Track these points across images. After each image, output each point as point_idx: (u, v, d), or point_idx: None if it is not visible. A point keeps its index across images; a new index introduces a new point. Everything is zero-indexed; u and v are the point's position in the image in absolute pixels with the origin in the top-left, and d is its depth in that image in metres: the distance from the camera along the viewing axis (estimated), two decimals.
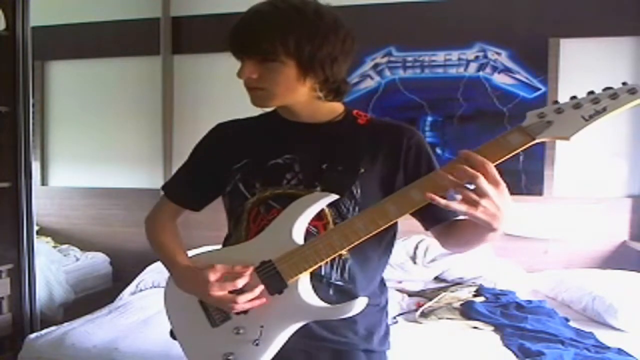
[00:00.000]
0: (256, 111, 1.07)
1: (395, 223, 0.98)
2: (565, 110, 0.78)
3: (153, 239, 1.12)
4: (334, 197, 0.95)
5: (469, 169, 0.77)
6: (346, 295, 0.98)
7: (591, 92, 0.79)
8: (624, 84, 0.78)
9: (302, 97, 0.98)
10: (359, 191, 0.97)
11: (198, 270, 0.96)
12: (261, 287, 0.94)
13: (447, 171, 0.80)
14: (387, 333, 1.09)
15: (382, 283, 1.11)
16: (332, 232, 0.92)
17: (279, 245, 0.95)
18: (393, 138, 1.02)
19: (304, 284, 0.95)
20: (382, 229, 0.89)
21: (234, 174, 1.04)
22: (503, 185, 0.78)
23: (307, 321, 0.95)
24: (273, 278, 0.94)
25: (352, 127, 1.04)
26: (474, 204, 0.77)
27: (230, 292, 0.93)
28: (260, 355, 0.95)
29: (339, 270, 0.99)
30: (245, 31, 0.94)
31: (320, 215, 0.97)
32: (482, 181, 0.76)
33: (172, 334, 1.10)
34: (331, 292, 0.98)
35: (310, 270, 0.94)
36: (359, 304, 0.92)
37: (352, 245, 0.91)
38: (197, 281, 0.95)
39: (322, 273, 0.97)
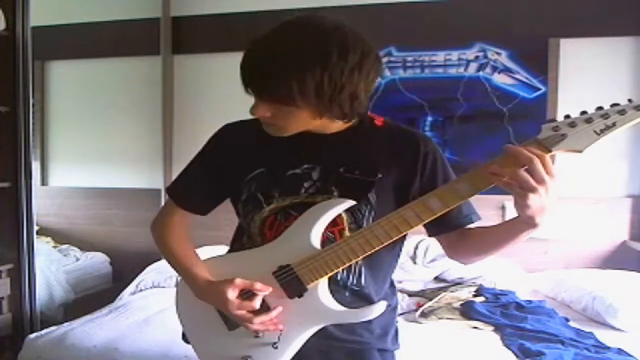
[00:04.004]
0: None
1: None
2: (578, 124, 0.82)
3: (164, 246, 1.09)
4: (351, 203, 0.95)
5: (525, 152, 0.78)
6: (361, 297, 0.99)
7: (600, 108, 0.83)
8: (629, 100, 0.82)
9: (317, 119, 0.93)
10: (374, 197, 0.97)
11: (216, 285, 0.96)
12: (279, 309, 0.95)
13: (498, 163, 0.81)
14: (397, 333, 1.11)
15: (392, 284, 1.12)
16: (353, 238, 0.92)
17: (297, 250, 0.95)
18: (410, 145, 1.00)
19: (323, 288, 0.96)
20: (402, 235, 0.91)
21: (249, 183, 1.02)
22: (556, 180, 0.79)
23: (326, 324, 0.96)
24: (292, 282, 0.95)
25: (369, 129, 1.02)
26: (532, 189, 0.77)
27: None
28: (279, 358, 0.96)
29: (354, 275, 1.00)
30: (258, 72, 0.87)
31: (335, 221, 0.97)
32: (540, 165, 0.77)
33: (184, 337, 1.09)
34: (347, 294, 0.99)
35: (331, 274, 0.94)
36: (378, 308, 0.94)
37: (374, 250, 0.92)
38: (215, 295, 0.96)
39: (338, 277, 0.98)
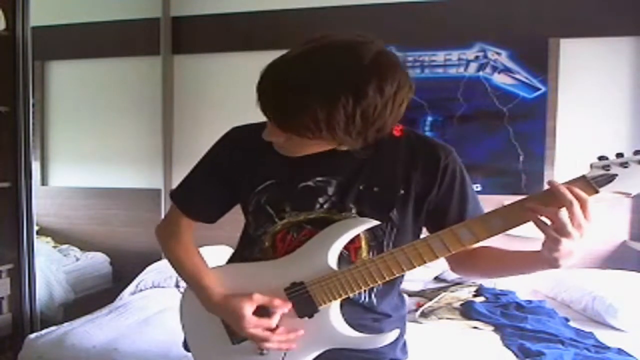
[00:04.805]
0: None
1: None
2: (630, 165, 0.79)
3: (170, 254, 1.06)
4: (373, 223, 0.92)
5: (568, 193, 0.75)
6: (373, 311, 0.98)
7: None
8: None
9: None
10: (396, 215, 0.94)
11: (232, 301, 0.93)
12: (300, 332, 0.92)
13: (539, 200, 0.78)
14: (405, 343, 1.09)
15: (400, 296, 1.10)
16: (373, 262, 0.89)
17: (313, 268, 0.92)
18: (430, 156, 0.95)
19: (335, 310, 0.93)
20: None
21: (259, 194, 0.98)
22: (593, 224, 0.77)
23: (334, 347, 0.94)
24: (304, 301, 0.92)
25: (388, 140, 0.93)
26: (567, 235, 0.75)
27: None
28: None
29: (367, 292, 0.98)
30: (281, 105, 0.78)
31: (352, 239, 0.94)
32: (580, 211, 0.75)
33: (186, 346, 1.07)
34: (357, 308, 0.97)
35: (345, 297, 0.91)
36: (391, 337, 0.93)
37: (393, 277, 0.89)
38: (230, 312, 0.93)
39: (350, 296, 0.95)
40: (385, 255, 0.89)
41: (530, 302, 2.20)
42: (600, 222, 2.73)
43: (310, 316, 0.92)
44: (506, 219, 0.83)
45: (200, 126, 3.17)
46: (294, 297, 0.92)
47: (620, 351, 1.73)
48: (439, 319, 2.05)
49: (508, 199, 0.88)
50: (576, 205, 0.75)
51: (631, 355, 1.70)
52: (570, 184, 0.79)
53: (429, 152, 0.96)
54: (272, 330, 0.92)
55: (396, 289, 1.05)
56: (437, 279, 2.62)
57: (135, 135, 3.38)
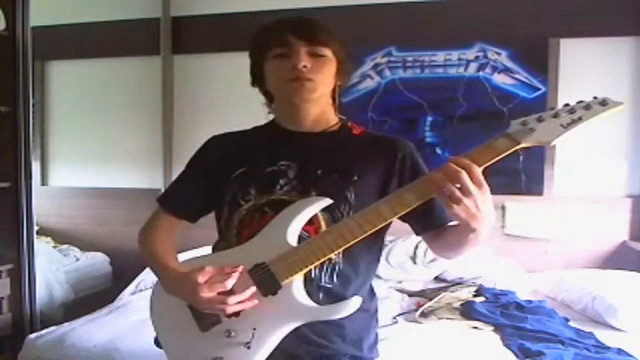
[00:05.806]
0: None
1: (384, 232, 1.03)
2: (546, 119, 0.88)
3: (145, 248, 1.10)
4: (328, 201, 0.97)
5: (453, 165, 0.82)
6: (335, 299, 0.98)
7: (566, 105, 0.88)
8: (594, 97, 0.88)
9: (327, 97, 1.06)
10: (353, 197, 0.99)
11: (187, 273, 0.96)
12: (253, 289, 0.94)
13: (438, 171, 0.85)
14: (376, 341, 1.10)
15: (372, 290, 1.11)
16: (327, 233, 0.94)
17: (272, 248, 0.95)
18: (387, 149, 1.06)
19: (297, 285, 0.95)
20: (376, 229, 0.91)
21: (231, 182, 1.05)
22: (486, 188, 0.84)
23: (301, 322, 0.95)
24: (267, 279, 0.94)
25: (347, 137, 1.09)
26: (457, 201, 0.82)
27: (221, 293, 0.92)
28: (252, 358, 0.94)
29: (328, 273, 0.99)
30: (308, 25, 1.05)
31: (312, 220, 0.98)
32: (466, 179, 0.81)
33: (157, 342, 1.09)
34: (321, 295, 0.98)
35: (306, 270, 0.94)
36: (353, 304, 0.93)
37: (348, 244, 0.92)
38: (185, 284, 0.95)
39: (312, 276, 0.98)
40: (338, 225, 0.93)
41: (530, 302, 2.20)
42: (600, 222, 2.74)
43: (274, 293, 0.94)
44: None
45: (200, 126, 3.17)
46: (257, 277, 0.95)
47: (620, 351, 1.73)
48: (439, 319, 2.05)
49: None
50: (463, 175, 0.82)
51: (631, 355, 1.70)
52: (493, 140, 0.88)
53: (387, 147, 1.07)
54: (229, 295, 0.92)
55: (364, 281, 1.06)
56: (437, 279, 2.62)
57: (135, 135, 3.38)
